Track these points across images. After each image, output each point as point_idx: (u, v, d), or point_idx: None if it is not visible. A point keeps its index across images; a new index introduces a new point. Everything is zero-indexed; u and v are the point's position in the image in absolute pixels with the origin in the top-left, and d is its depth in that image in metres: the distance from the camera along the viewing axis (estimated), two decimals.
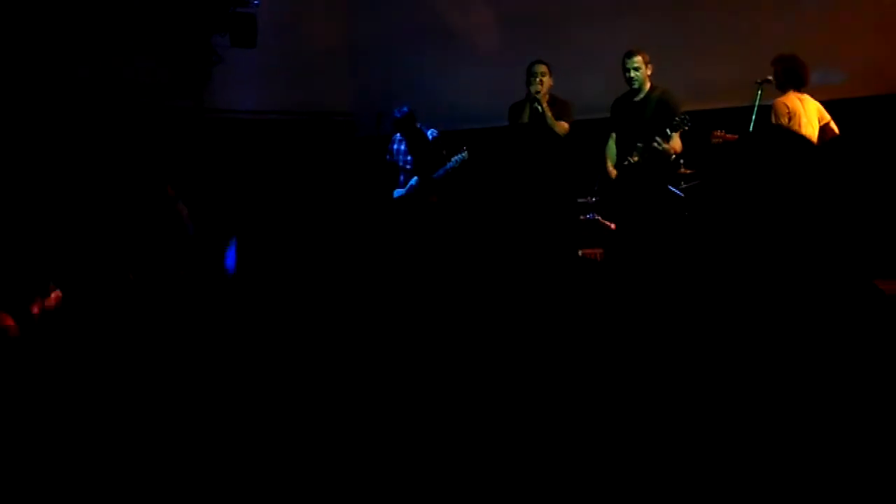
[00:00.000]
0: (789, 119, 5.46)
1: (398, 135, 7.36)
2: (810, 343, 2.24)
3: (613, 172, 5.96)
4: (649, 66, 5.78)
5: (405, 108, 7.19)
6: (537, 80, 6.19)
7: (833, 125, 5.64)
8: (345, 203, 7.93)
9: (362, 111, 8.93)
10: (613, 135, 6.07)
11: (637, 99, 5.85)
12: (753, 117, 5.69)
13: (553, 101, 6.26)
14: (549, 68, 6.26)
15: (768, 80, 5.70)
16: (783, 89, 5.64)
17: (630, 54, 5.78)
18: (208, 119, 8.10)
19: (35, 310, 3.99)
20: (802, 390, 2.21)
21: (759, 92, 5.70)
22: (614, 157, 6.00)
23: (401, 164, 7.36)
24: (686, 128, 5.53)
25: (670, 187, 5.89)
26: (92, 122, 7.25)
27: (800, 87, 5.63)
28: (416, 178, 7.22)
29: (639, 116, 5.78)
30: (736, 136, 5.78)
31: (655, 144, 5.54)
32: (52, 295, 4.11)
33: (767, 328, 2.28)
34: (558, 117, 6.18)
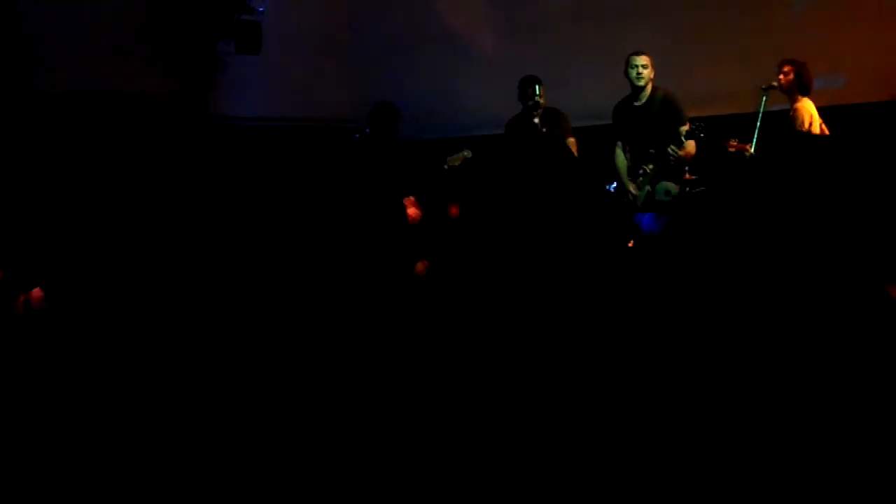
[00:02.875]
0: (809, 124, 5.54)
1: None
2: (822, 345, 2.26)
3: (633, 189, 5.90)
4: (653, 68, 5.81)
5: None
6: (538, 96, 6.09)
7: (824, 126, 5.69)
8: (349, 210, 7.91)
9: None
10: (619, 143, 6.06)
11: (639, 103, 5.85)
12: (758, 124, 5.70)
13: (548, 114, 6.13)
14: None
15: (773, 87, 5.72)
16: (792, 93, 5.68)
17: (638, 53, 5.81)
18: (213, 126, 8.11)
19: (19, 308, 4.00)
20: (811, 392, 2.22)
21: (765, 98, 5.72)
22: (625, 168, 5.97)
23: None
24: (701, 135, 5.56)
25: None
26: (96, 129, 7.26)
27: (807, 93, 5.69)
28: None
29: (646, 119, 5.79)
30: (748, 146, 5.80)
31: (671, 152, 5.55)
32: (35, 295, 4.10)
33: (782, 330, 2.30)
34: (558, 131, 6.07)
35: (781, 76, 5.71)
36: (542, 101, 6.10)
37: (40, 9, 7.01)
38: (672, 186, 5.83)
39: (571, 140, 6.06)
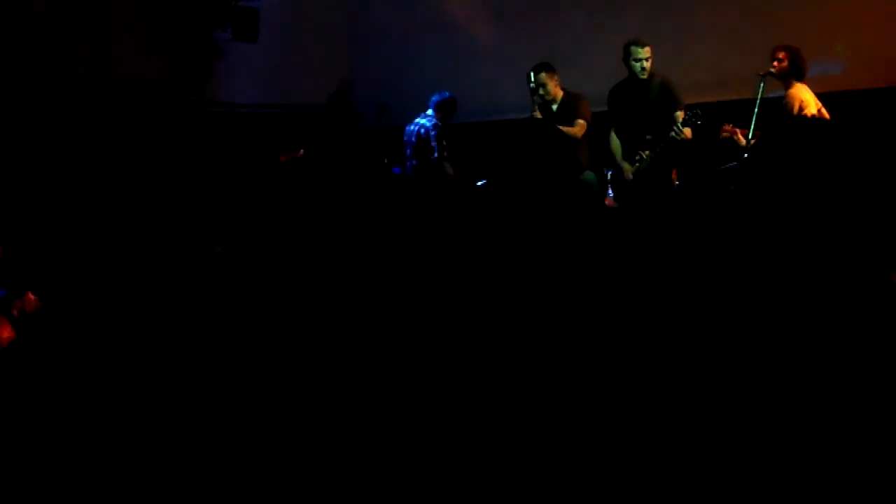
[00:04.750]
0: (801, 110, 5.52)
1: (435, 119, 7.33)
2: (824, 335, 2.27)
3: (628, 169, 5.93)
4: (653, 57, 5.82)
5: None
6: (538, 89, 6.12)
7: (824, 111, 5.68)
8: (349, 196, 7.91)
9: (365, 104, 8.93)
10: (614, 128, 6.05)
11: (637, 87, 5.84)
12: (756, 110, 5.69)
13: (566, 100, 6.16)
14: (549, 73, 6.15)
15: (771, 73, 5.71)
16: (786, 79, 5.67)
17: (642, 43, 5.76)
18: (210, 112, 8.10)
19: (14, 312, 3.97)
20: (813, 382, 2.23)
21: (762, 84, 5.70)
22: (620, 152, 5.97)
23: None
24: (699, 123, 5.57)
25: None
26: (94, 116, 7.25)
27: (801, 78, 5.67)
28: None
29: (643, 103, 5.78)
30: (742, 131, 5.79)
31: (675, 132, 5.56)
32: (30, 299, 4.07)
33: (784, 319, 2.30)
34: (572, 115, 6.06)
35: (776, 63, 5.69)
36: (540, 98, 6.12)
37: None
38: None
39: (581, 122, 6.04)
